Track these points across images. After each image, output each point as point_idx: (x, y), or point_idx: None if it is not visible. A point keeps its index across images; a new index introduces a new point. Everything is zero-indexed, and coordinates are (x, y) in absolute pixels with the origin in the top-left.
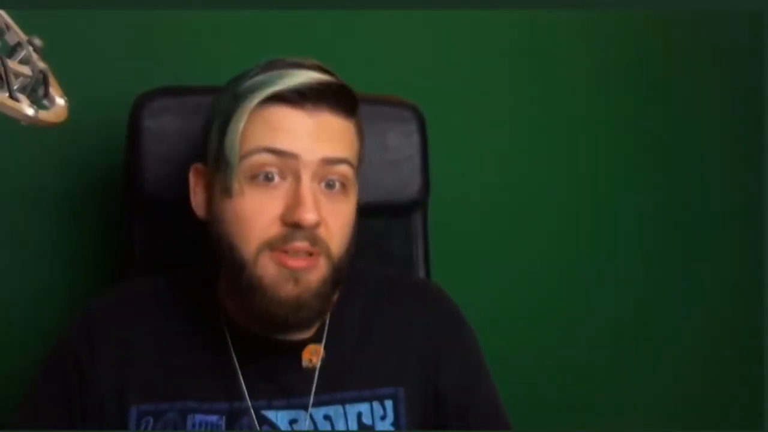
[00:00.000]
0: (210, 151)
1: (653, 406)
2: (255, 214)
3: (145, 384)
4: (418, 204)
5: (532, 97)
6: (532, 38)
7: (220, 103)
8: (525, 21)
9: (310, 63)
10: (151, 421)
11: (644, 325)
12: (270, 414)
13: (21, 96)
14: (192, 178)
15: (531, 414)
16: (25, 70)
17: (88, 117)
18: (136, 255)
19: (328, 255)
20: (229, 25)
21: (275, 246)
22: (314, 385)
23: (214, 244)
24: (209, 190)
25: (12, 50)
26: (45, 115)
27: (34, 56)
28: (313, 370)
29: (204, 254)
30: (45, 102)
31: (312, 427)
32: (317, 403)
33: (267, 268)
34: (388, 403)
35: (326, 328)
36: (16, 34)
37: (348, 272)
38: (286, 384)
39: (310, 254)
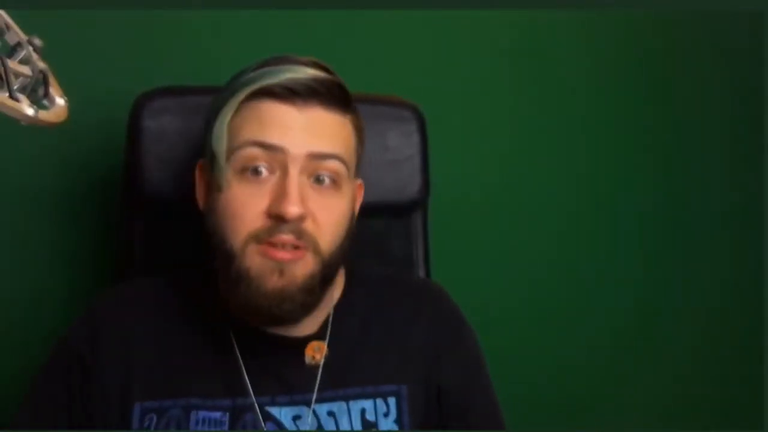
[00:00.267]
0: (206, 147)
1: (653, 406)
2: (242, 207)
3: (148, 381)
4: (418, 204)
5: (532, 97)
6: (532, 38)
7: (218, 100)
8: (525, 21)
9: (306, 60)
10: (155, 418)
11: (644, 325)
12: (273, 410)
13: (21, 96)
14: (197, 174)
15: (531, 414)
16: (25, 70)
17: (88, 117)
18: (136, 255)
19: (316, 250)
20: (229, 25)
21: (261, 238)
22: (317, 381)
23: (208, 237)
24: (208, 185)
25: (12, 50)
26: (45, 115)
27: (34, 56)
28: (317, 366)
29: (204, 254)
30: (45, 102)
31: (315, 424)
32: (320, 400)
33: (254, 260)
34: (391, 400)
35: (329, 325)
36: (16, 34)
37: (350, 270)
38: (290, 380)
39: (296, 247)
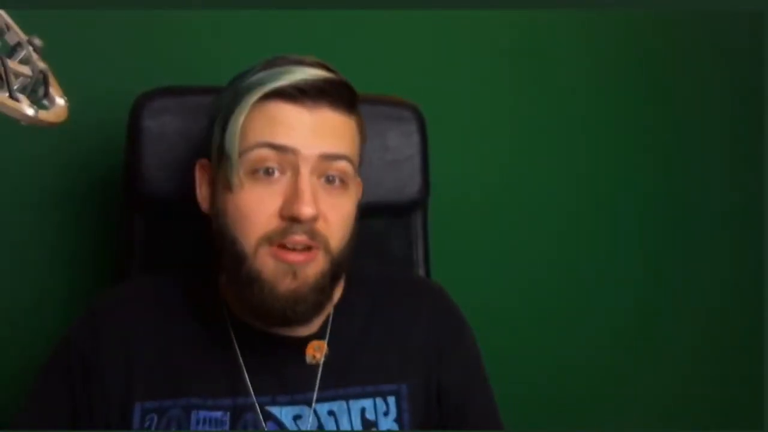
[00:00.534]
0: (213, 146)
1: (653, 406)
2: (255, 208)
3: (148, 381)
4: (418, 204)
5: (532, 97)
6: (532, 38)
7: (223, 100)
8: (525, 21)
9: (311, 60)
10: (155, 418)
11: (644, 325)
12: (274, 410)
13: (21, 96)
14: (198, 173)
15: (531, 414)
16: (25, 70)
17: (88, 117)
18: (136, 255)
19: (327, 249)
20: (229, 25)
21: (274, 240)
22: (318, 381)
23: (216, 238)
24: (213, 185)
25: (12, 50)
26: (45, 115)
27: (34, 56)
28: (317, 366)
29: (204, 254)
30: (45, 102)
31: (316, 423)
32: (321, 399)
33: (266, 263)
34: (391, 399)
35: (329, 324)
36: (16, 34)
37: (350, 270)
38: (290, 380)
39: (309, 248)
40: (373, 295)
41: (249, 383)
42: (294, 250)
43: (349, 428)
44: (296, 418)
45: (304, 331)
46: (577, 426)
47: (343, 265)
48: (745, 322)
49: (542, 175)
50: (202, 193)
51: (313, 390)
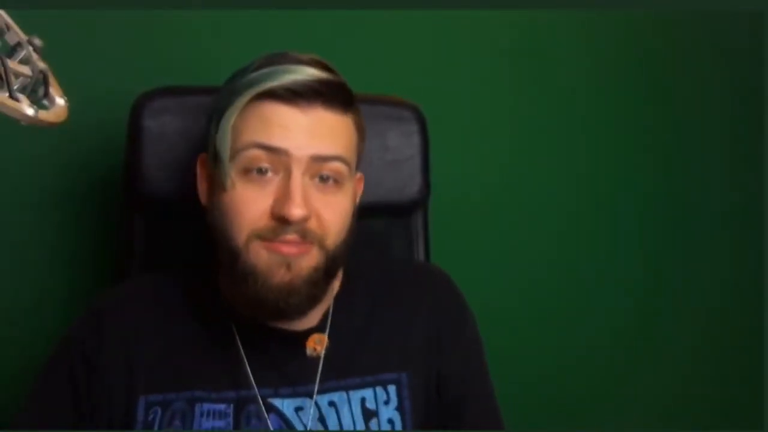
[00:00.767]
0: (209, 144)
1: (653, 406)
2: (246, 206)
3: (151, 376)
4: (418, 204)
5: (532, 97)
6: (532, 38)
7: (220, 98)
8: (525, 21)
9: (308, 58)
10: (159, 411)
11: (644, 324)
12: (276, 402)
13: (21, 96)
14: (199, 167)
15: (531, 414)
16: (25, 70)
17: (88, 117)
18: (136, 255)
19: (322, 245)
20: (229, 25)
21: (265, 237)
22: (319, 373)
23: (211, 234)
24: (210, 180)
25: (12, 50)
26: (45, 115)
27: (34, 56)
28: (318, 358)
29: (204, 254)
30: (45, 102)
31: (317, 414)
32: (322, 391)
33: (259, 255)
34: (391, 388)
35: (330, 317)
36: (16, 34)
37: (350, 262)
38: (292, 373)
39: (302, 241)
40: (373, 287)
41: (251, 376)
42: (287, 242)
43: (350, 418)
44: (298, 409)
45: (304, 324)
46: (577, 426)
47: (338, 261)
48: (745, 322)
49: (542, 175)
50: (201, 187)
51: (314, 382)
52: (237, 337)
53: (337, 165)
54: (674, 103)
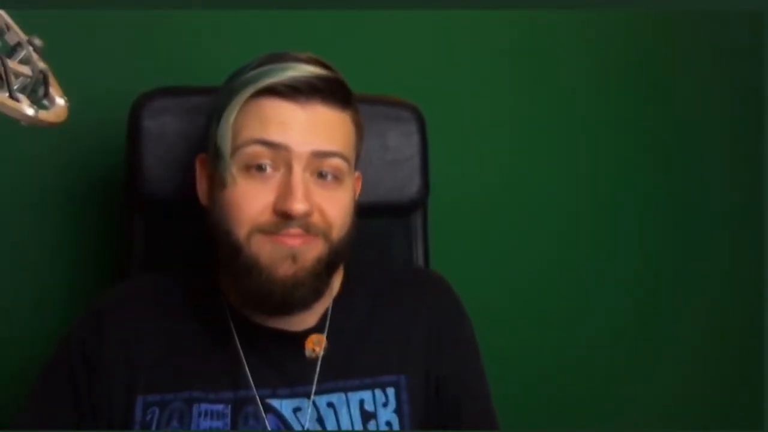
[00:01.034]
0: (210, 143)
1: (653, 406)
2: (247, 201)
3: (150, 376)
4: (418, 204)
5: (532, 97)
6: (532, 38)
7: (219, 97)
8: (525, 21)
9: (306, 56)
10: (157, 411)
11: (644, 324)
12: (274, 402)
13: (21, 96)
14: (198, 167)
15: (531, 414)
16: (25, 70)
17: (88, 117)
18: (136, 255)
19: (327, 237)
20: (229, 25)
21: (268, 231)
22: (317, 374)
23: (212, 232)
24: (210, 179)
25: (12, 50)
26: (45, 115)
27: (34, 56)
28: (316, 359)
29: (204, 254)
30: (45, 102)
31: (315, 415)
32: (320, 392)
33: (262, 248)
34: (390, 391)
35: (328, 318)
36: (16, 34)
37: (350, 264)
38: (290, 373)
39: (307, 234)
40: (373, 289)
41: (250, 376)
42: (291, 236)
43: (348, 420)
44: (296, 410)
45: (303, 324)
46: (577, 426)
47: (341, 254)
48: (745, 322)
49: (542, 175)
50: (201, 187)
51: (313, 383)
52: (236, 338)
53: (336, 161)
54: (674, 103)
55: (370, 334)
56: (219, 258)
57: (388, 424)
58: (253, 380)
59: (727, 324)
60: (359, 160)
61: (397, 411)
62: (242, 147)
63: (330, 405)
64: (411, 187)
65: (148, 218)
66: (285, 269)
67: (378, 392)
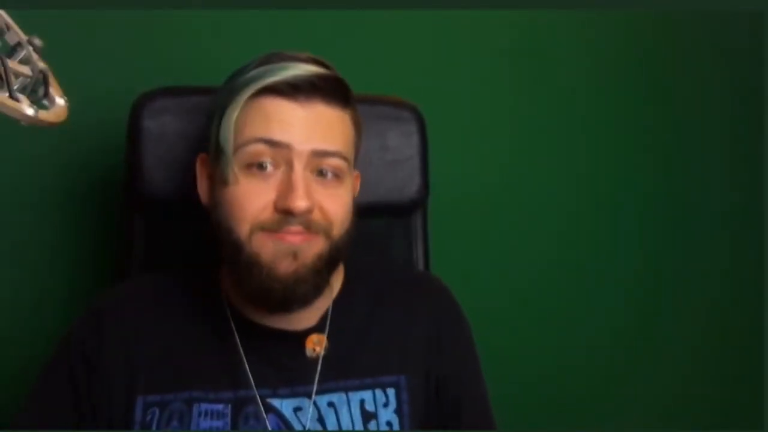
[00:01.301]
0: (210, 142)
1: (653, 406)
2: (249, 199)
3: (150, 376)
4: (418, 204)
5: (532, 97)
6: (532, 38)
7: (219, 97)
8: (525, 21)
9: (305, 56)
10: (157, 412)
11: (644, 324)
12: (275, 402)
13: (21, 96)
14: (198, 167)
15: (531, 414)
16: (25, 70)
17: (88, 117)
18: (136, 255)
19: (328, 234)
20: (229, 25)
21: (269, 229)
22: (318, 373)
23: (214, 231)
24: (211, 179)
25: (12, 50)
26: (45, 115)
27: (34, 56)
28: (317, 359)
29: (204, 253)
30: (45, 102)
31: (316, 415)
32: (321, 391)
33: (264, 246)
34: (391, 391)
35: (329, 318)
36: (16, 34)
37: (350, 265)
38: (291, 373)
39: (308, 231)
40: (373, 290)
41: (250, 376)
42: (292, 233)
43: (348, 419)
44: (296, 410)
45: (304, 324)
46: (577, 426)
47: (341, 252)
48: (745, 322)
49: (542, 175)
50: (201, 186)
51: (313, 383)
52: (236, 337)
53: (336, 161)
54: (674, 103)
55: (371, 335)
56: (221, 256)
57: (389, 424)
58: (253, 380)
59: (727, 324)
60: (358, 158)
61: (398, 411)
62: (244, 145)
63: (331, 405)
64: (411, 187)
65: (148, 218)
66: (286, 266)
67: (378, 392)
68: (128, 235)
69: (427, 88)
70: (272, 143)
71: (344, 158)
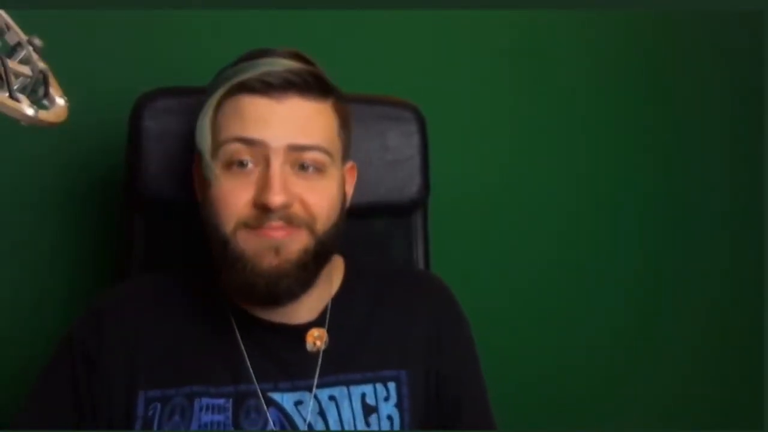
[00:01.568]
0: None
1: (653, 406)
2: (230, 197)
3: (151, 372)
4: (418, 204)
5: (532, 97)
6: (532, 38)
7: (205, 97)
8: (525, 21)
9: (284, 51)
10: (159, 407)
11: (644, 324)
12: (276, 396)
13: (21, 96)
14: (195, 166)
15: (531, 414)
16: (25, 70)
17: (88, 117)
18: (136, 255)
19: (311, 228)
20: (229, 25)
21: (251, 225)
22: (318, 367)
23: (203, 228)
24: (200, 177)
25: (12, 50)
26: (45, 115)
27: (34, 56)
28: (317, 353)
29: (204, 253)
30: (45, 102)
31: (317, 408)
32: (321, 385)
33: (247, 242)
34: (391, 385)
35: (328, 314)
36: (16, 34)
37: (350, 264)
38: (291, 367)
39: (289, 226)
40: (373, 290)
41: (251, 370)
42: (274, 228)
43: (350, 413)
44: (297, 403)
45: (303, 318)
46: (577, 426)
47: (329, 245)
48: (745, 322)
49: (542, 175)
50: (197, 185)
51: (314, 376)
52: (236, 332)
53: (315, 154)
54: (674, 103)
55: (370, 334)
56: (212, 251)
57: (389, 418)
58: (254, 374)
59: (727, 324)
60: (350, 149)
61: (398, 405)
62: (222, 145)
63: (332, 398)
64: (411, 187)
65: (148, 218)
66: (269, 261)
67: (379, 386)
68: (128, 235)
69: (427, 88)
70: (248, 141)
71: (324, 151)
